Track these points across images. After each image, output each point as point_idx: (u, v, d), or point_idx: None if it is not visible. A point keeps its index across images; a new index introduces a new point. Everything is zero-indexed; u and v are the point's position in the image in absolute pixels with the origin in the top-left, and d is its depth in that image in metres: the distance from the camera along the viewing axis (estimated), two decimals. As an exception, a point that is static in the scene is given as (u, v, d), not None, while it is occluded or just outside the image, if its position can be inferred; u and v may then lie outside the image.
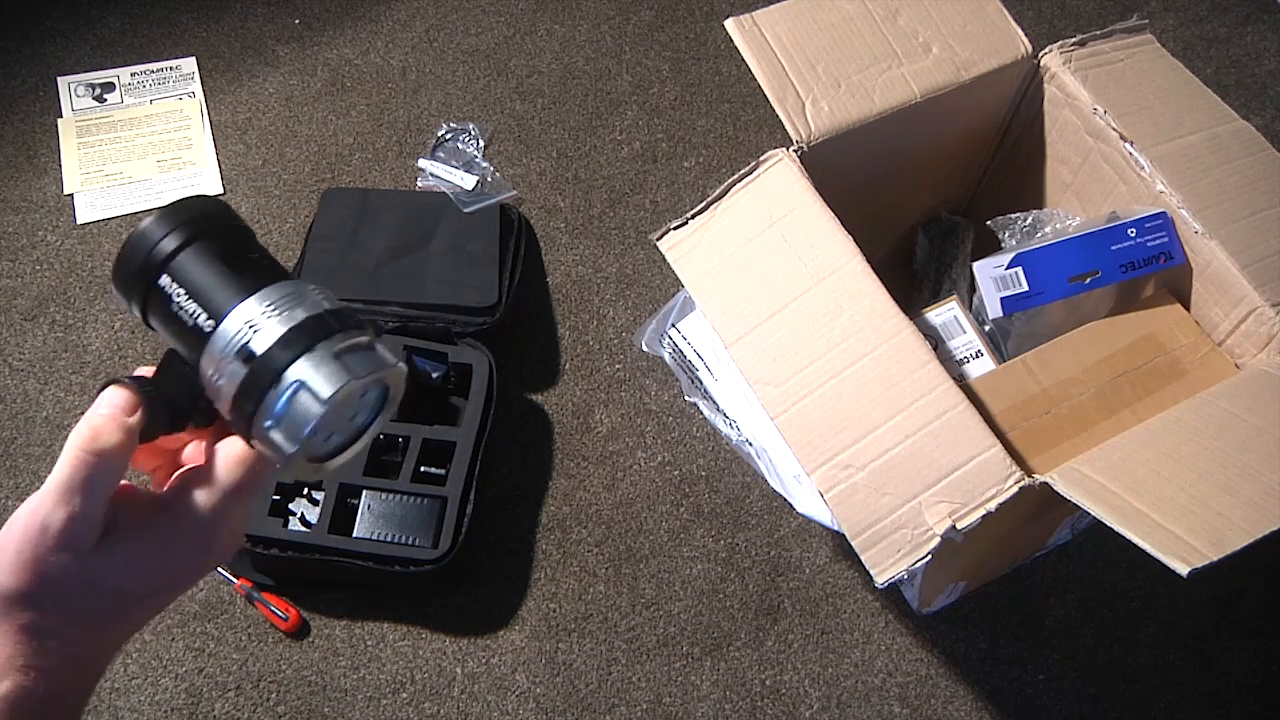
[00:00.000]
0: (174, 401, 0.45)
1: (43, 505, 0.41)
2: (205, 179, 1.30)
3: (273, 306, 0.43)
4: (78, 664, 0.44)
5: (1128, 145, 0.90)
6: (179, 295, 0.43)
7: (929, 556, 0.74)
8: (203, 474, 0.45)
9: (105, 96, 1.36)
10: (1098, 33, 0.95)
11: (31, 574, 0.41)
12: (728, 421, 1.11)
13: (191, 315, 0.43)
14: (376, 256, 1.16)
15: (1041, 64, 0.95)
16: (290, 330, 0.42)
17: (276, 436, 0.42)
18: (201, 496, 0.44)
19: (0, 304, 1.19)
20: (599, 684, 1.02)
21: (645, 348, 1.14)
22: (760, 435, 1.06)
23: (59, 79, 1.37)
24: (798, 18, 0.90)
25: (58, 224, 1.26)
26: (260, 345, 0.42)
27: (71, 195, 1.28)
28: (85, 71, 1.38)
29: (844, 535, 0.77)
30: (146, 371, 0.47)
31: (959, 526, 0.74)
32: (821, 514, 1.02)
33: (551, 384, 1.18)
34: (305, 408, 0.42)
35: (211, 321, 0.43)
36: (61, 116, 1.34)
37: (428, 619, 1.03)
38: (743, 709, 1.01)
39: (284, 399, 0.42)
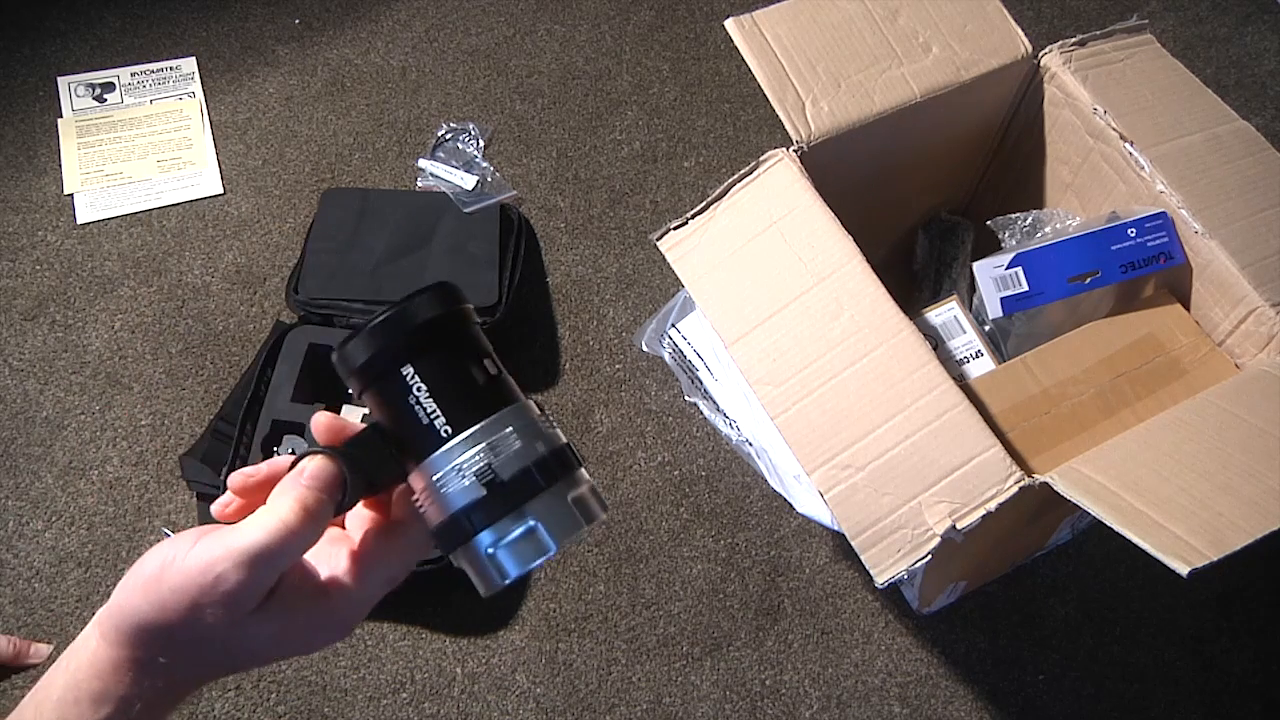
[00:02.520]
0: (371, 482, 0.44)
1: (224, 559, 0.40)
2: (205, 179, 1.30)
3: (515, 434, 0.43)
4: (171, 701, 0.44)
5: (1128, 145, 0.90)
6: (420, 390, 0.43)
7: (929, 556, 0.74)
8: (370, 565, 0.44)
9: (105, 96, 1.36)
10: (1098, 33, 0.95)
11: (183, 616, 0.40)
12: (728, 421, 1.11)
13: (429, 415, 0.43)
14: (376, 256, 1.16)
15: (1041, 64, 0.95)
16: (535, 464, 0.43)
17: (494, 566, 0.43)
18: (363, 586, 0.44)
19: (0, 304, 1.19)
20: (599, 684, 1.02)
21: (645, 348, 1.14)
22: (760, 435, 1.06)
23: (59, 79, 1.37)
24: (798, 18, 0.90)
25: (58, 224, 1.26)
26: (505, 472, 0.42)
27: (71, 195, 1.28)
28: (85, 71, 1.38)
29: (844, 535, 0.77)
30: (322, 424, 0.45)
31: (959, 526, 0.74)
32: (821, 514, 1.02)
33: (551, 384, 1.18)
34: (537, 547, 0.42)
35: (450, 428, 0.42)
36: (61, 116, 1.34)
37: (428, 619, 1.03)
38: (743, 709, 1.01)
39: (518, 534, 0.42)
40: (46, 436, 1.11)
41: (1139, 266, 0.89)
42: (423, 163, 1.31)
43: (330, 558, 0.45)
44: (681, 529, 1.10)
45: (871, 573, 0.75)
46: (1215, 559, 0.64)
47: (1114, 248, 0.89)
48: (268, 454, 1.04)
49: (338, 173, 1.31)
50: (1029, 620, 1.06)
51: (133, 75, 1.38)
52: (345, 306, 1.12)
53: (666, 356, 1.14)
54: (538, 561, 0.43)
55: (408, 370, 0.43)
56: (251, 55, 1.40)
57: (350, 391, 0.45)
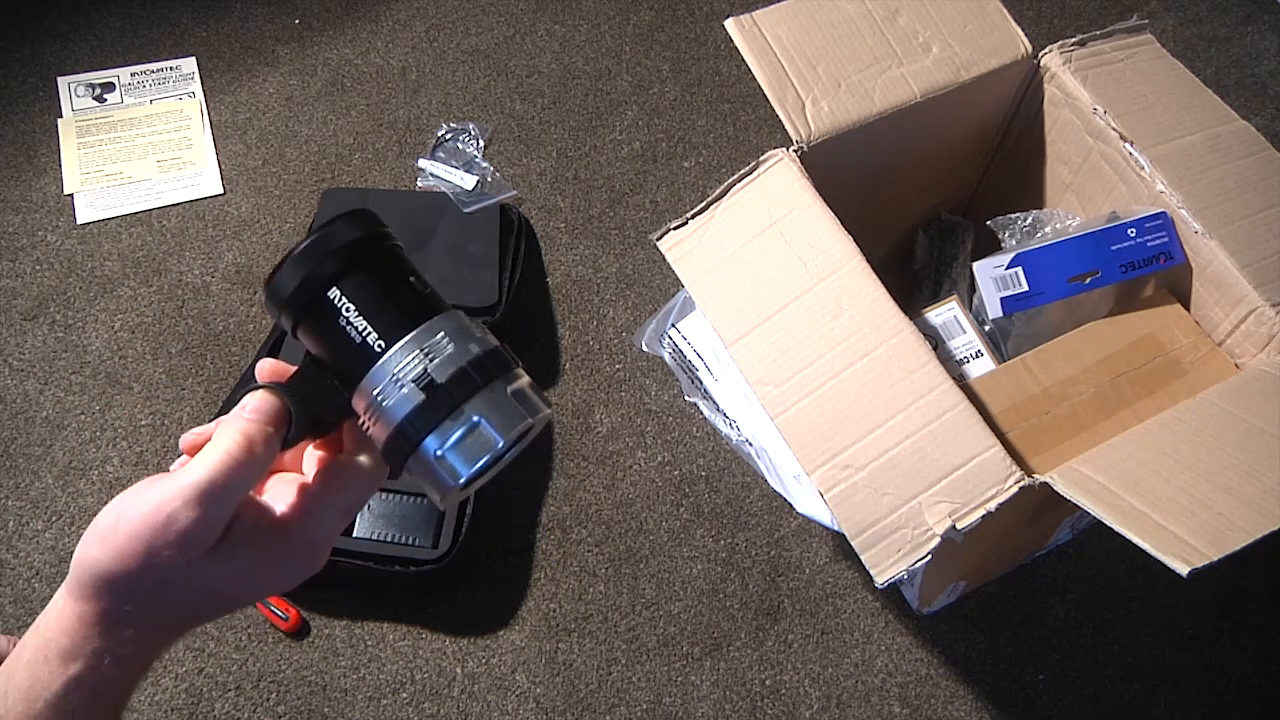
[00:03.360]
0: (317, 414, 0.45)
1: (173, 500, 0.40)
2: (205, 179, 1.30)
3: (447, 337, 0.43)
4: (146, 654, 0.44)
5: (1128, 145, 0.90)
6: (349, 310, 0.43)
7: (929, 556, 0.74)
8: (321, 496, 0.45)
9: (105, 96, 1.36)
10: (1098, 33, 0.96)
11: (140, 563, 0.40)
12: (728, 421, 1.11)
13: (361, 333, 0.43)
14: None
15: (1041, 64, 0.95)
16: (470, 364, 0.43)
17: (445, 468, 0.42)
18: (319, 518, 0.45)
19: (0, 304, 1.19)
20: (599, 684, 1.02)
21: (645, 348, 1.14)
22: (760, 435, 1.06)
23: (59, 79, 1.37)
24: (798, 18, 0.90)
25: (58, 224, 1.26)
26: (441, 374, 0.42)
27: (71, 195, 1.28)
28: (85, 71, 1.38)
29: (844, 535, 0.77)
30: (265, 368, 0.46)
31: (959, 526, 0.74)
32: (821, 514, 1.02)
33: (551, 384, 1.18)
34: (482, 443, 0.42)
35: (383, 342, 0.43)
36: (61, 116, 1.34)
37: (428, 619, 1.03)
38: (743, 709, 1.01)
39: (462, 431, 0.42)
40: (46, 436, 1.11)
41: (1139, 266, 0.89)
42: (423, 163, 1.31)
43: (285, 495, 0.45)
44: (681, 529, 1.10)
45: (871, 573, 0.75)
46: (1215, 559, 0.64)
47: (1114, 248, 0.89)
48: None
49: (338, 173, 1.31)
50: (1029, 620, 1.06)
51: (133, 75, 1.38)
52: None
53: (666, 356, 1.14)
54: (485, 458, 0.43)
55: (334, 293, 0.43)
56: (251, 55, 1.40)
57: (285, 329, 0.46)
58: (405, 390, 0.42)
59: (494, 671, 1.02)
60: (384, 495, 1.02)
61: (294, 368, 0.46)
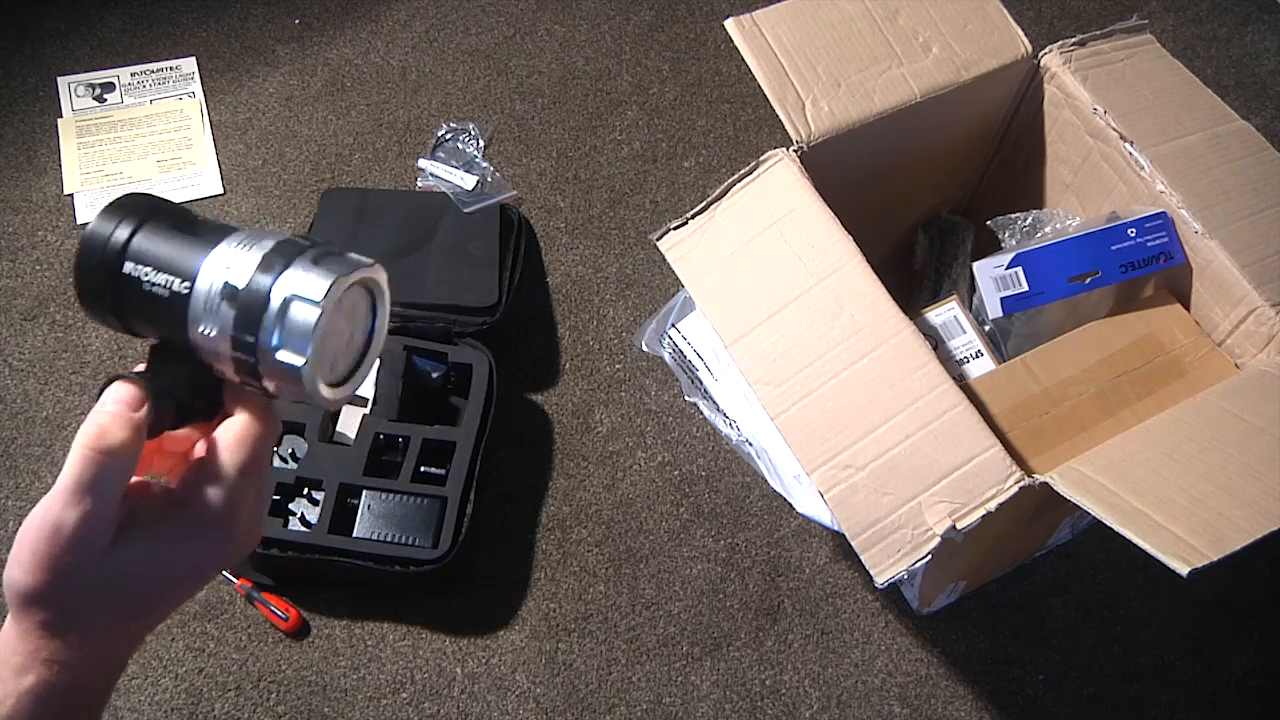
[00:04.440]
0: (175, 393, 0.45)
1: (54, 506, 0.41)
2: (205, 179, 1.30)
3: (239, 246, 0.44)
4: (99, 657, 0.44)
5: (1128, 145, 0.90)
6: (147, 274, 0.44)
7: (929, 556, 0.74)
8: (209, 461, 0.45)
9: (105, 96, 1.36)
10: (1098, 33, 0.96)
11: (47, 573, 0.41)
12: (728, 421, 1.11)
13: (165, 286, 0.44)
14: (376, 256, 1.15)
15: (1041, 64, 0.95)
16: (264, 257, 0.43)
17: (285, 357, 0.42)
18: (213, 483, 0.44)
19: (0, 304, 1.19)
20: (599, 684, 1.02)
21: (645, 348, 1.14)
22: (760, 435, 1.06)
23: (59, 79, 1.37)
24: (798, 18, 0.90)
25: (58, 224, 1.26)
26: (240, 278, 0.43)
27: (71, 195, 1.28)
28: (85, 71, 1.38)
29: (844, 535, 0.77)
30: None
31: (959, 526, 0.74)
32: (821, 514, 1.02)
33: (551, 384, 1.18)
34: (303, 315, 0.42)
35: (186, 284, 0.43)
36: (61, 116, 1.34)
37: (428, 619, 1.03)
38: (743, 709, 1.01)
39: (278, 314, 0.42)
40: (46, 436, 1.11)
41: (1139, 266, 0.89)
42: (423, 163, 1.31)
43: (184, 470, 0.46)
44: (681, 529, 1.10)
45: (871, 573, 0.75)
46: (1215, 559, 0.64)
47: (1114, 248, 0.89)
48: (268, 454, 1.04)
49: (338, 173, 1.31)
50: (1029, 620, 1.06)
51: (133, 75, 1.38)
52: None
53: (666, 356, 1.14)
54: (314, 329, 0.42)
55: (129, 267, 0.44)
56: (251, 55, 1.40)
57: (121, 330, 0.47)
58: (219, 311, 0.43)
59: (494, 671, 1.02)
60: (384, 495, 1.02)
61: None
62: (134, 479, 0.44)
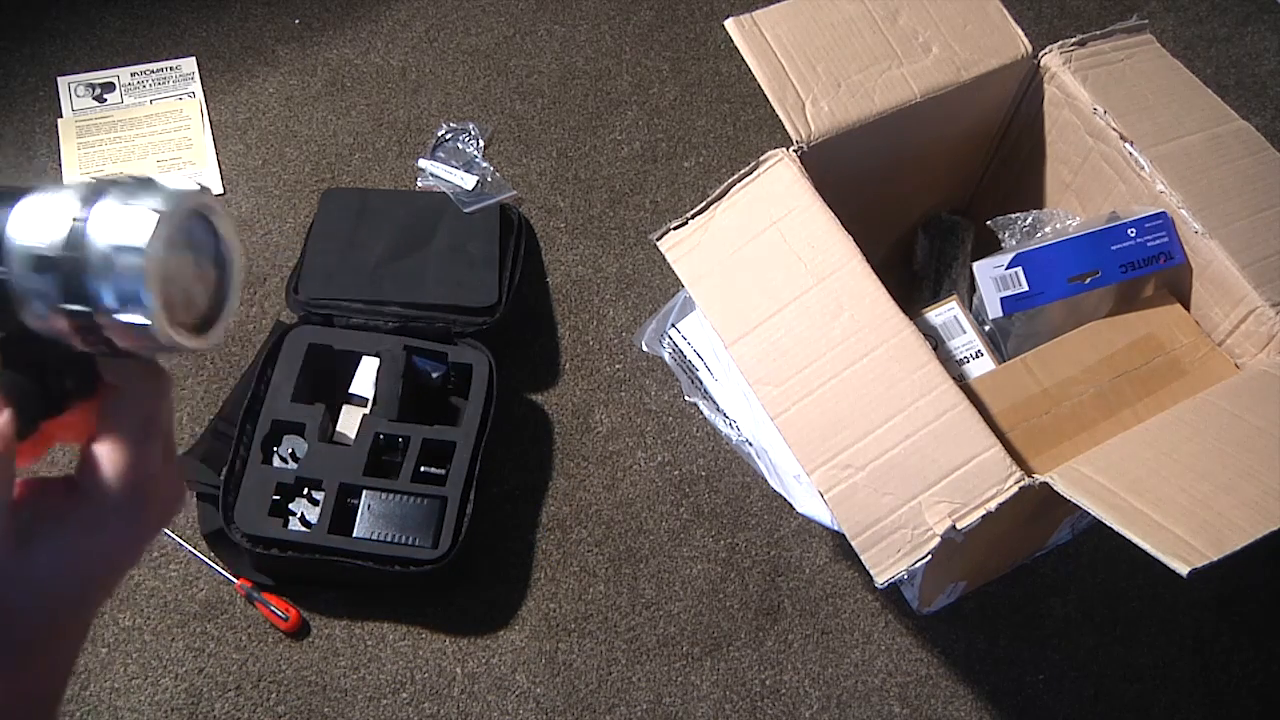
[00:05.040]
0: (36, 384, 0.41)
1: None
2: (205, 179, 1.30)
3: (35, 205, 0.38)
4: (31, 672, 0.41)
5: (1128, 145, 0.90)
6: None
7: (929, 556, 0.74)
8: (101, 440, 0.41)
9: (105, 96, 1.36)
10: (1098, 33, 0.95)
11: None
12: (728, 421, 1.11)
13: None
14: (376, 256, 1.16)
15: (1041, 64, 0.95)
16: (67, 210, 0.37)
17: (128, 317, 0.37)
18: (110, 464, 0.40)
19: (0, 304, 1.19)
20: (599, 684, 1.02)
21: (645, 348, 1.14)
22: (760, 435, 1.06)
23: (59, 79, 1.37)
24: (798, 18, 0.90)
25: (58, 224, 1.25)
26: (46, 243, 0.37)
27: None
28: (85, 71, 1.38)
29: (844, 535, 0.77)
30: None
31: (959, 526, 0.74)
32: (821, 514, 1.02)
33: (551, 384, 1.18)
34: (130, 266, 0.37)
35: (3, 269, 0.38)
36: (61, 116, 1.34)
37: (428, 619, 1.03)
38: (743, 709, 1.01)
39: (102, 273, 0.37)
40: (46, 436, 1.11)
41: (1139, 266, 0.89)
42: (423, 163, 1.31)
43: (79, 460, 0.42)
44: (681, 529, 1.10)
45: (871, 573, 0.75)
46: (1215, 559, 0.64)
47: (1114, 248, 0.89)
48: (267, 454, 1.04)
49: (338, 173, 1.31)
50: (1029, 620, 1.06)
51: (133, 75, 1.38)
52: (345, 306, 1.12)
53: (666, 356, 1.14)
54: (140, 275, 0.37)
55: None
56: (251, 55, 1.40)
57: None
58: (38, 287, 0.37)
59: (494, 671, 1.02)
60: (384, 495, 1.02)
61: None
62: (25, 478, 0.40)
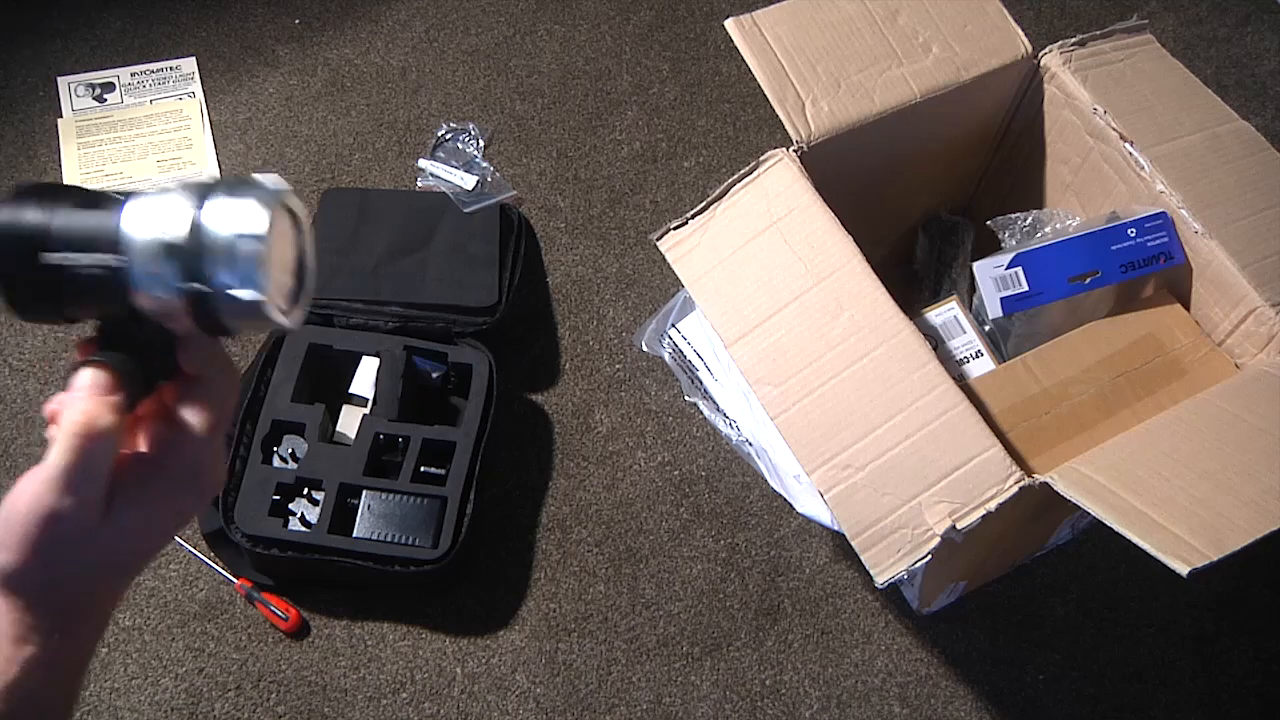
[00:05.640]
0: (138, 363, 0.46)
1: (48, 493, 0.42)
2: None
3: (152, 203, 0.43)
4: (91, 621, 0.46)
5: (1128, 145, 0.90)
6: (71, 259, 0.43)
7: (929, 556, 0.74)
8: (180, 422, 0.46)
9: (105, 96, 1.36)
10: (1098, 33, 0.96)
11: (40, 557, 0.43)
12: (728, 421, 1.11)
13: (96, 265, 0.43)
14: (376, 256, 1.16)
15: (1041, 64, 0.95)
16: (185, 204, 0.42)
17: (243, 294, 0.42)
18: (186, 443, 0.46)
19: (0, 304, 1.19)
20: (599, 684, 1.02)
21: (645, 348, 1.14)
22: (760, 435, 1.06)
23: (59, 79, 1.37)
24: (798, 18, 0.90)
25: (58, 224, 1.25)
26: (173, 232, 0.42)
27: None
28: (85, 71, 1.38)
29: (844, 535, 0.77)
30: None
31: (959, 526, 0.74)
32: (821, 514, 1.02)
33: (551, 384, 1.18)
34: (250, 250, 0.42)
35: (111, 255, 0.43)
36: (61, 116, 1.34)
37: (428, 619, 1.03)
38: (743, 709, 1.01)
39: (226, 256, 0.42)
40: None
41: (1139, 266, 0.89)
42: (423, 163, 1.31)
43: (153, 434, 0.47)
44: (681, 529, 1.10)
45: (871, 573, 0.76)
46: (1215, 559, 0.64)
47: (1114, 248, 0.89)
48: (267, 454, 1.04)
49: (338, 173, 1.31)
50: (1029, 620, 1.06)
51: (133, 75, 1.38)
52: (345, 306, 1.12)
53: (666, 356, 1.14)
54: (263, 252, 0.42)
55: (48, 257, 0.43)
56: (251, 55, 1.40)
57: (69, 320, 0.47)
58: (162, 271, 0.42)
59: (494, 671, 1.02)
60: (384, 495, 1.02)
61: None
62: None
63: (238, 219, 0.42)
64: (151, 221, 0.42)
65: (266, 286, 0.42)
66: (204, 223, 0.42)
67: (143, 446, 0.47)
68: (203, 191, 0.43)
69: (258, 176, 0.45)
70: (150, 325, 0.44)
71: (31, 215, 0.43)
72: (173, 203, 0.43)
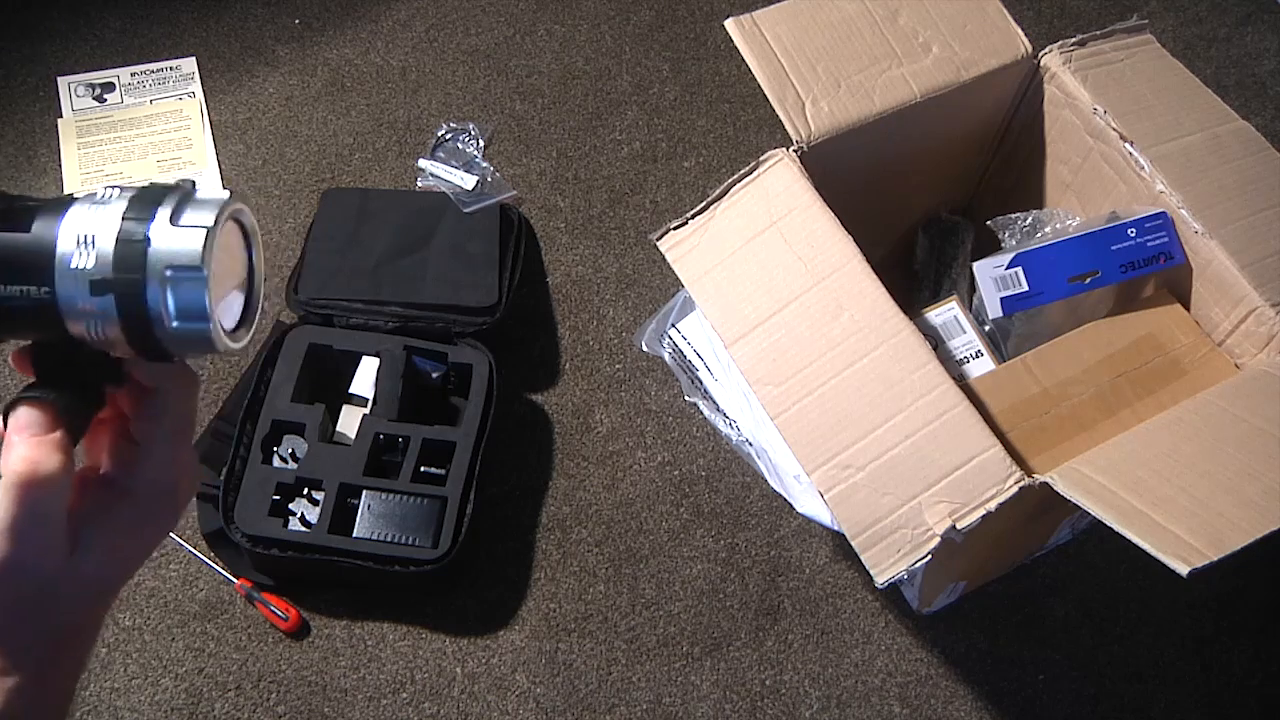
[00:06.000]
0: (79, 391, 0.43)
1: (5, 551, 0.39)
2: (205, 179, 1.30)
3: (84, 221, 0.40)
4: (76, 654, 0.44)
5: (1128, 145, 0.90)
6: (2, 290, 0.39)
7: (929, 556, 0.74)
8: (143, 440, 0.44)
9: (105, 96, 1.36)
10: (1098, 33, 0.95)
11: (7, 610, 0.41)
12: (728, 421, 1.11)
13: (23, 295, 0.40)
14: (376, 256, 1.16)
15: (1041, 64, 0.95)
16: (120, 229, 0.39)
17: (187, 329, 0.40)
18: (151, 461, 0.43)
19: None
20: (599, 684, 1.02)
21: (645, 348, 1.14)
22: (760, 435, 1.06)
23: (59, 79, 1.37)
24: (798, 18, 0.90)
25: (58, 224, 1.25)
26: (105, 268, 0.39)
27: (71, 195, 1.28)
28: (85, 71, 1.38)
29: (844, 535, 0.77)
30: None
31: (959, 526, 0.74)
32: (821, 514, 1.02)
33: (551, 384, 1.18)
34: (192, 287, 0.39)
35: (46, 288, 0.39)
36: (61, 116, 1.34)
37: (428, 619, 1.03)
38: (743, 709, 1.01)
39: (164, 293, 0.39)
40: (46, 436, 1.11)
41: (1139, 266, 0.89)
42: (423, 163, 1.31)
43: (113, 460, 0.45)
44: (681, 529, 1.10)
45: (871, 573, 0.75)
46: (1215, 559, 0.64)
47: (1114, 248, 0.89)
48: (267, 454, 1.04)
49: (338, 173, 1.31)
50: (1029, 620, 1.06)
51: (133, 75, 1.38)
52: (345, 306, 1.12)
53: (666, 356, 1.14)
54: (204, 295, 0.39)
55: None
56: (251, 55, 1.40)
57: (4, 342, 0.43)
58: (97, 306, 0.39)
59: (494, 671, 1.02)
60: (384, 495, 1.02)
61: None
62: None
63: (178, 244, 0.39)
64: (84, 249, 0.39)
65: (210, 315, 0.39)
66: (143, 250, 0.39)
67: (105, 464, 0.45)
68: (142, 209, 0.40)
69: (204, 191, 0.41)
70: (92, 349, 0.41)
71: None
72: (102, 224, 0.39)
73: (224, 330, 0.41)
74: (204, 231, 0.39)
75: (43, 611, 0.42)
